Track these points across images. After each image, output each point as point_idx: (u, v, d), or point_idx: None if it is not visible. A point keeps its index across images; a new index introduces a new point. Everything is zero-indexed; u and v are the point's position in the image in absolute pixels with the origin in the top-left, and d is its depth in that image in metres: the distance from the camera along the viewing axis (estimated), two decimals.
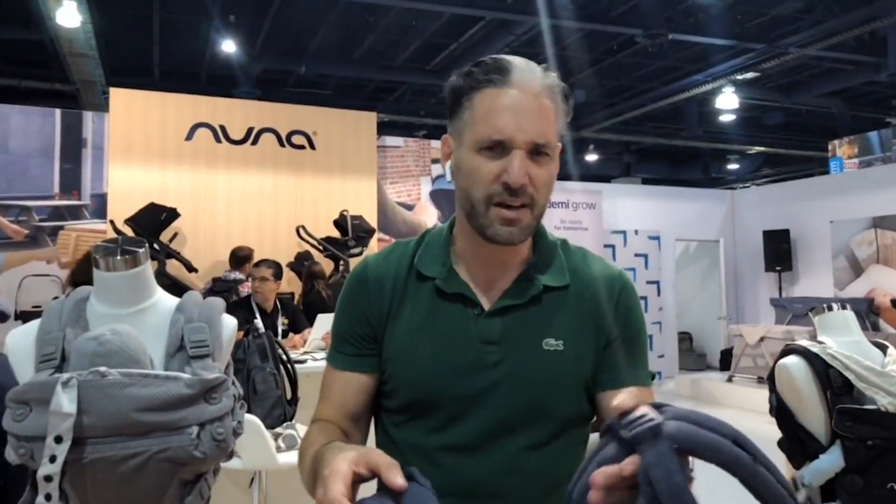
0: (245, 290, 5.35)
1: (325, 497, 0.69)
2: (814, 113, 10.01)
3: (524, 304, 1.00)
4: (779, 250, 8.81)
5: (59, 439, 1.17)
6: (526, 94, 0.95)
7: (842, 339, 2.12)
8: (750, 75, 7.83)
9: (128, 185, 6.45)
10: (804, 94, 8.96)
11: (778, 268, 8.85)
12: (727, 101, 8.28)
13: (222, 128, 6.88)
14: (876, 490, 1.97)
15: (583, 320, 1.01)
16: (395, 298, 1.03)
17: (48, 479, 1.18)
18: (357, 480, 0.72)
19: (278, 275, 4.73)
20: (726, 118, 9.57)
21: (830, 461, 1.99)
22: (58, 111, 6.98)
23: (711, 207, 10.00)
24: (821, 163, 10.92)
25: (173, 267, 6.05)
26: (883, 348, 2.14)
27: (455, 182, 1.01)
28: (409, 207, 8.07)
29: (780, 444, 2.18)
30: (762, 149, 11.50)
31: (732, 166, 13.00)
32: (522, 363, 0.98)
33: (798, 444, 2.10)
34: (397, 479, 0.69)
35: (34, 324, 1.36)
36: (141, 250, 1.41)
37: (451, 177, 1.02)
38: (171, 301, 1.47)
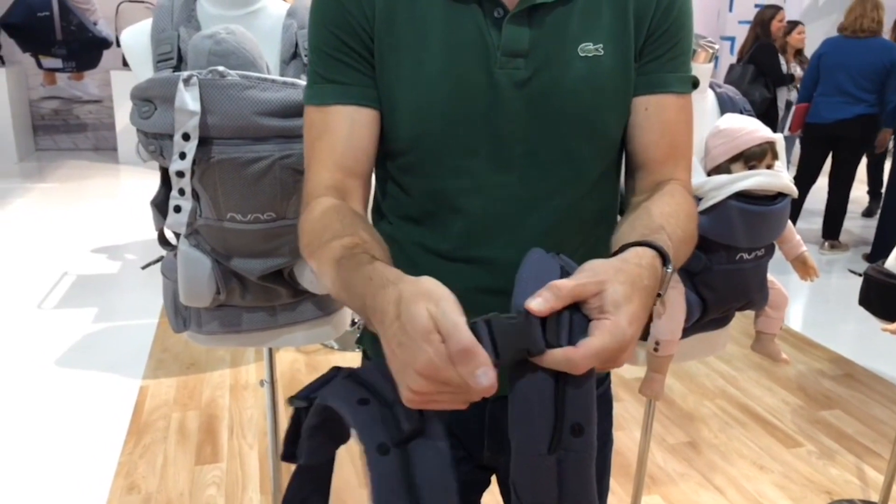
0: None
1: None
2: None
3: (555, 2, 0.79)
4: None
5: (186, 137, 1.18)
6: None
7: None
8: None
9: None
10: None
11: None
12: None
13: None
14: None
15: (624, 18, 0.82)
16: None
17: (180, 174, 1.21)
18: None
19: None
20: None
21: None
22: None
23: None
24: None
25: None
26: None
27: None
28: None
29: None
30: None
31: None
32: (557, 77, 0.79)
33: None
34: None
35: (146, 22, 1.32)
36: None
37: None
38: (280, 5, 1.39)
